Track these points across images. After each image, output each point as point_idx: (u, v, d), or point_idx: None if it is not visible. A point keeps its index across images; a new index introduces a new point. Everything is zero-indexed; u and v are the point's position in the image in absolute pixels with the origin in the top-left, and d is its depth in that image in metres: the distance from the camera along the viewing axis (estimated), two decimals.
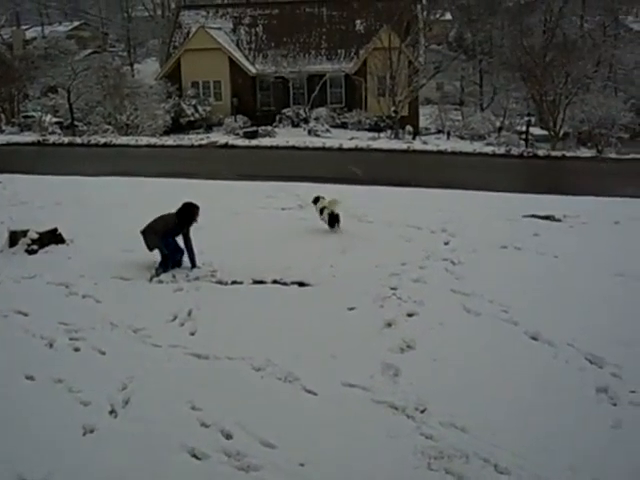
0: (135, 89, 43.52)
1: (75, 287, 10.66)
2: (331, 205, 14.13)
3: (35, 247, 12.60)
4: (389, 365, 7.85)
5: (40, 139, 35.13)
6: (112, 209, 16.39)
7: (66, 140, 35.02)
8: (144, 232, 11.34)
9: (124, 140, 33.95)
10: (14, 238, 12.75)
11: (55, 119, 42.83)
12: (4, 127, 43.56)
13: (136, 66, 69.56)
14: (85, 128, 41.06)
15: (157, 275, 11.17)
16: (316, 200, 14.50)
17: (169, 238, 11.33)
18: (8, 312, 9.71)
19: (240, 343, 8.41)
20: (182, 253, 11.46)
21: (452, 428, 6.65)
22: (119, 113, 40.39)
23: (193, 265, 11.39)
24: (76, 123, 42.00)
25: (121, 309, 9.66)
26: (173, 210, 11.45)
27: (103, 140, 33.93)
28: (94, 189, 19.59)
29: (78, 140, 34.76)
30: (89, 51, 63.00)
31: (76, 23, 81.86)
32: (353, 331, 8.87)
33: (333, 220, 14.03)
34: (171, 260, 11.37)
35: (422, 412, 6.93)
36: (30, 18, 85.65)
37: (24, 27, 79.75)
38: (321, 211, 14.25)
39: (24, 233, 12.73)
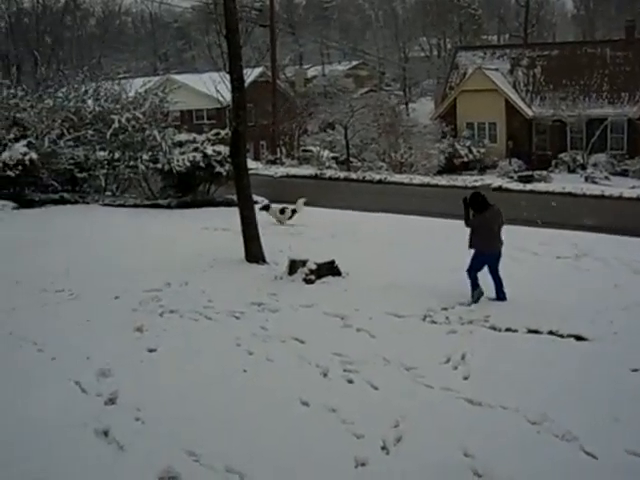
0: (410, 128, 44.47)
1: (350, 320, 10.89)
2: (297, 207, 20.23)
3: (312, 277, 13.10)
4: None
5: (317, 172, 36.52)
6: (384, 245, 16.69)
7: (341, 175, 36.09)
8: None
9: (398, 178, 34.37)
10: (293, 267, 13.38)
11: (332, 154, 44.71)
12: (284, 160, 46.15)
13: (411, 105, 71.37)
14: (359, 164, 42.48)
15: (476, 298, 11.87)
16: (282, 210, 20.28)
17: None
18: (286, 338, 10.11)
19: (514, 393, 8.12)
20: None
21: None
22: (394, 151, 41.38)
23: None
24: (351, 159, 43.53)
25: (394, 346, 9.73)
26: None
27: (377, 177, 34.55)
28: (367, 224, 20.11)
29: (353, 175, 35.72)
30: (366, 89, 65.41)
31: (354, 62, 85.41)
32: (638, 394, 8.28)
33: (293, 213, 20.08)
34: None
35: None
36: (312, 58, 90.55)
37: (306, 66, 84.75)
38: (282, 211, 20.12)
39: (303, 263, 13.31)
